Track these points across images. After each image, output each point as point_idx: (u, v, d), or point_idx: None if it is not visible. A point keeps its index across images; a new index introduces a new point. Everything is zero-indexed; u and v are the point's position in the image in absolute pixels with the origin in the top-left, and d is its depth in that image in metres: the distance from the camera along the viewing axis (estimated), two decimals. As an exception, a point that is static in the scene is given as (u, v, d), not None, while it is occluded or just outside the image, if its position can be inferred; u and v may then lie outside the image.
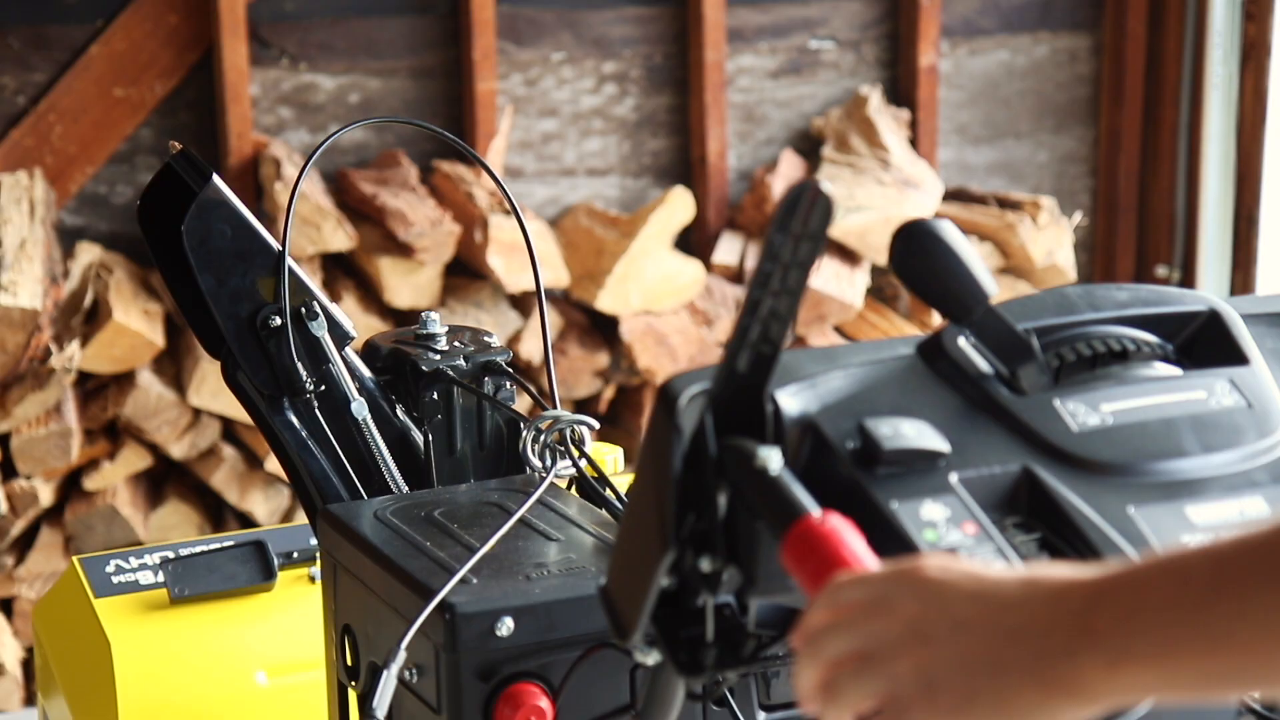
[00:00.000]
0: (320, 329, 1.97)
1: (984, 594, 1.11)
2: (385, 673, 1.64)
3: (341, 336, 1.99)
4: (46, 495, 3.72)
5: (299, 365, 1.96)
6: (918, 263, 1.36)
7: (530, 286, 3.90)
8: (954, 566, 1.13)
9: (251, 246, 1.96)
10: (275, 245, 1.96)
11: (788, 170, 4.31)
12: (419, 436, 2.00)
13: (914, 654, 1.10)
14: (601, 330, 4.12)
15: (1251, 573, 1.04)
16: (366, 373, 2.02)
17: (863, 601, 1.13)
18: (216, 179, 1.94)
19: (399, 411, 2.02)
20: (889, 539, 1.23)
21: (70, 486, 3.80)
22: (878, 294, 4.34)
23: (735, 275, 4.22)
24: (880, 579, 1.14)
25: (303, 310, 1.96)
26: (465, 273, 4.02)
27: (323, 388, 1.97)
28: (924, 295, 1.38)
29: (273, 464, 3.80)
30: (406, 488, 1.97)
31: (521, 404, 2.06)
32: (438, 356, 1.99)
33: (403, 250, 3.89)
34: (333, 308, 1.99)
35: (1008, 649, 1.09)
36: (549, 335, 2.07)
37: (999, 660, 1.09)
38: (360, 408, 1.97)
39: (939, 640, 1.10)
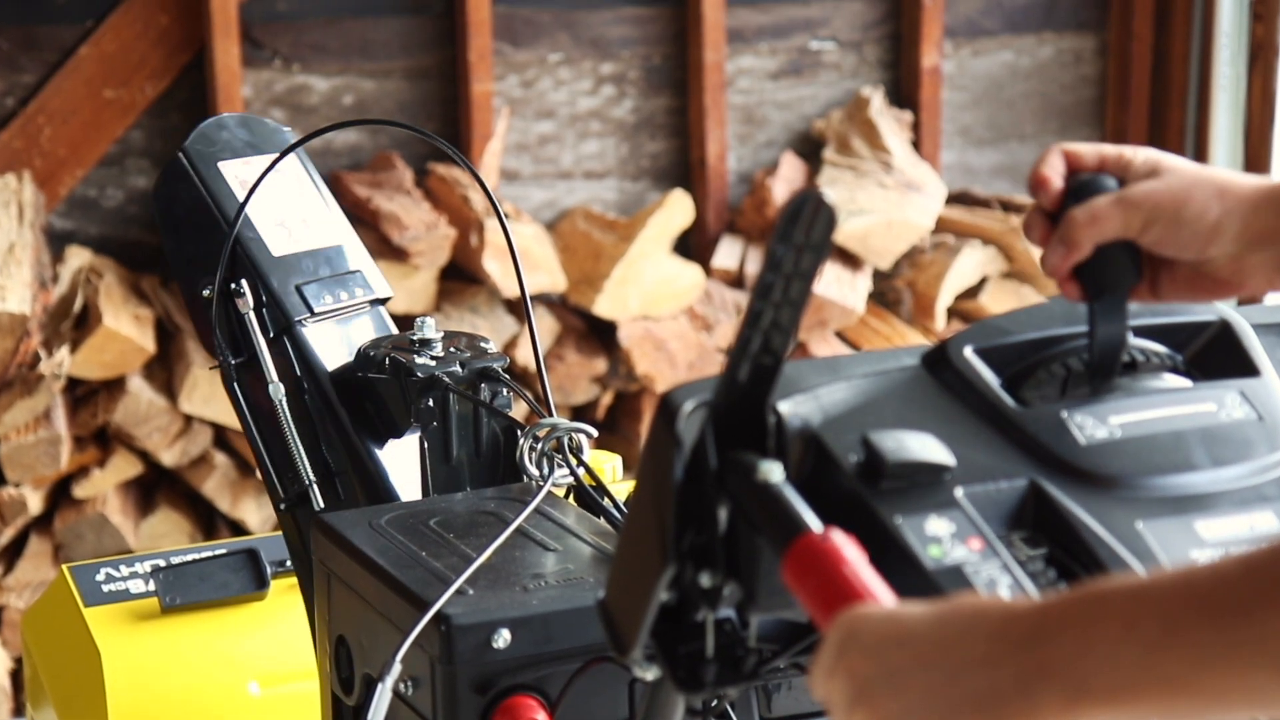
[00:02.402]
0: (246, 307, 2.01)
1: (909, 637, 1.08)
2: (380, 685, 1.64)
3: (281, 320, 2.01)
4: (35, 503, 3.70)
5: (218, 336, 2.02)
6: None
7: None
8: (872, 613, 1.10)
9: (208, 220, 2.05)
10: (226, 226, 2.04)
11: (788, 173, 4.28)
12: (394, 447, 1.99)
13: (863, 712, 1.09)
14: (599, 335, 4.09)
15: (1202, 624, 1.01)
16: (323, 365, 2.01)
17: (823, 662, 1.11)
18: (183, 155, 2.05)
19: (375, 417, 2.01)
20: (893, 555, 1.21)
21: (59, 494, 3.77)
22: (880, 299, 4.31)
23: (735, 280, 4.20)
24: (833, 634, 1.11)
25: (231, 286, 2.01)
26: (461, 277, 4.00)
27: (243, 360, 2.02)
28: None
29: (267, 469, 3.78)
30: (314, 479, 1.98)
31: (519, 410, 2.05)
32: (433, 362, 1.98)
33: (397, 254, 3.86)
34: (281, 292, 2.03)
35: (953, 688, 1.06)
36: (539, 343, 2.06)
37: (949, 700, 1.06)
38: (276, 390, 1.99)
39: (881, 694, 1.08)
